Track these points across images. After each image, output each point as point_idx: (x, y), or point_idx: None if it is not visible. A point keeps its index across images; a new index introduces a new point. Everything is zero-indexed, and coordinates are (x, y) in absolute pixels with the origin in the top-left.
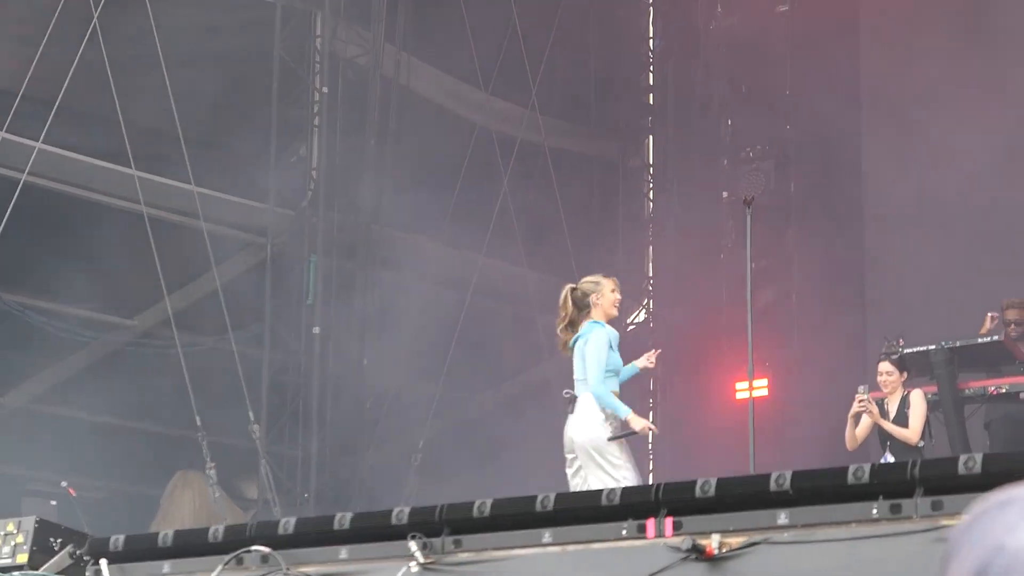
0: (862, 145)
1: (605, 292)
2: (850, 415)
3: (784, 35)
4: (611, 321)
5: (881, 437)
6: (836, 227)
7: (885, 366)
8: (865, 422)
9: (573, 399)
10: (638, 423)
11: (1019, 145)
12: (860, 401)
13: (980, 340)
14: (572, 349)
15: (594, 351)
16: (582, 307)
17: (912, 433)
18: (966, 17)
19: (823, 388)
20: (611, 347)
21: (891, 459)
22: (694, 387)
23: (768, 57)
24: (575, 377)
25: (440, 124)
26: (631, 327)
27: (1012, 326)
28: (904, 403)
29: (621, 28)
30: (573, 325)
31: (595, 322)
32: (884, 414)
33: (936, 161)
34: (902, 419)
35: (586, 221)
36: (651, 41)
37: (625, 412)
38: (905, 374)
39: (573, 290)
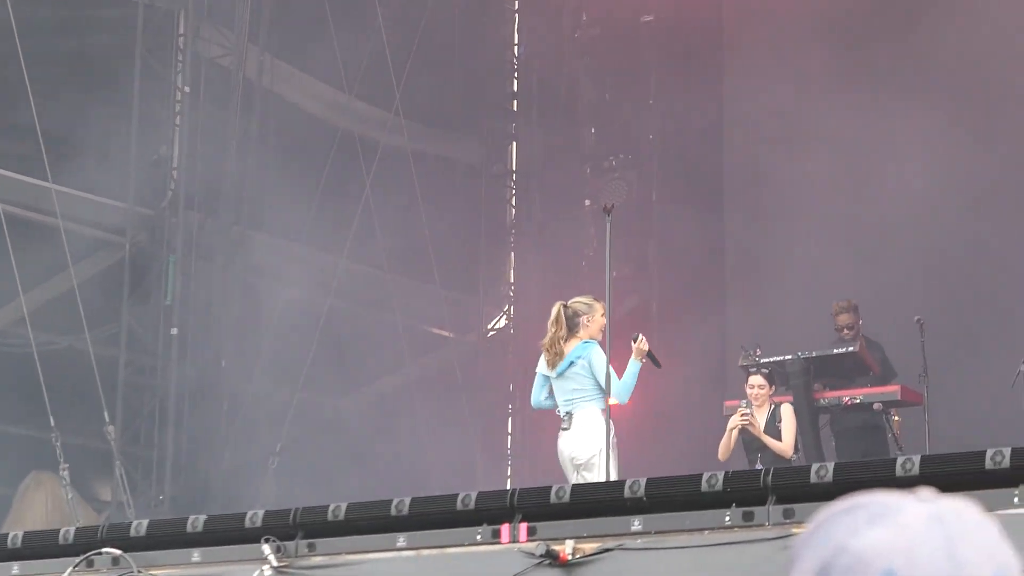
0: (723, 156)
1: (596, 316)
2: (730, 427)
3: (648, 45)
4: None
5: (749, 449)
6: (697, 236)
7: (757, 379)
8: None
9: (569, 415)
10: (638, 353)
11: (881, 156)
12: (743, 415)
13: (835, 351)
14: (560, 372)
15: (604, 364)
16: (571, 326)
17: (787, 446)
18: (830, 30)
19: (683, 396)
20: None
21: None
22: None
23: (632, 66)
24: (563, 398)
25: (303, 126)
26: (491, 333)
27: (844, 331)
28: (774, 416)
29: (486, 34)
30: (559, 343)
31: (588, 342)
32: None
33: (797, 172)
34: (772, 431)
35: (448, 226)
36: (516, 48)
37: (633, 365)
38: (773, 387)
39: (564, 307)
